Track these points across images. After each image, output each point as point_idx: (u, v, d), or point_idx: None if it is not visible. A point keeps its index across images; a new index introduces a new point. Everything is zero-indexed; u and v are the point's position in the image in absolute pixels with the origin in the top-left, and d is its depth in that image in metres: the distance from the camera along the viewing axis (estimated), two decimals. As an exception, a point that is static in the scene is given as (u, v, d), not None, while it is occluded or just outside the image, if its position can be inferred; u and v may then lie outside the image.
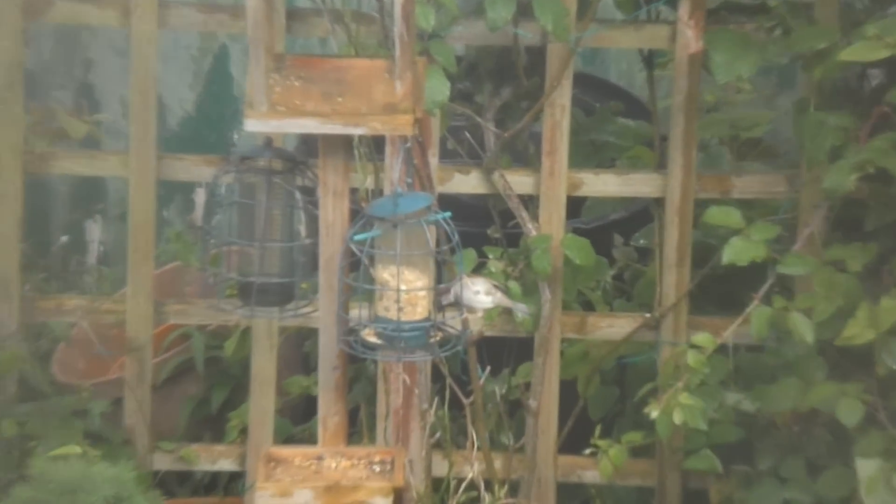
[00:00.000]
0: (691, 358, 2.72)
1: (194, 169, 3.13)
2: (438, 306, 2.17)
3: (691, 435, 2.91)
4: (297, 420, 3.39)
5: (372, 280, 2.11)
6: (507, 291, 2.89)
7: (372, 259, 2.09)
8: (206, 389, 3.41)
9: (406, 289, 2.07)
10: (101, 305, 3.17)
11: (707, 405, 2.73)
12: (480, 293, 2.75)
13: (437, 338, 2.14)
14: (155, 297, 3.15)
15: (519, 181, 3.07)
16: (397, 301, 2.08)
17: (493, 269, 3.03)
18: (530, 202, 3.09)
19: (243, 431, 3.22)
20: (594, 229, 3.37)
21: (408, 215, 2.06)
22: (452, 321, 2.18)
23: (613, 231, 3.50)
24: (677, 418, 2.65)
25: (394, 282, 2.09)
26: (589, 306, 3.28)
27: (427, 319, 2.13)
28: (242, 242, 2.25)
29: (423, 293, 2.11)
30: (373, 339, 2.11)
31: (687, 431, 2.86)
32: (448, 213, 2.09)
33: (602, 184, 3.09)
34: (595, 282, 3.30)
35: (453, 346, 2.16)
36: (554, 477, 3.13)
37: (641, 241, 3.38)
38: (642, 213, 3.31)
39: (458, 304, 2.49)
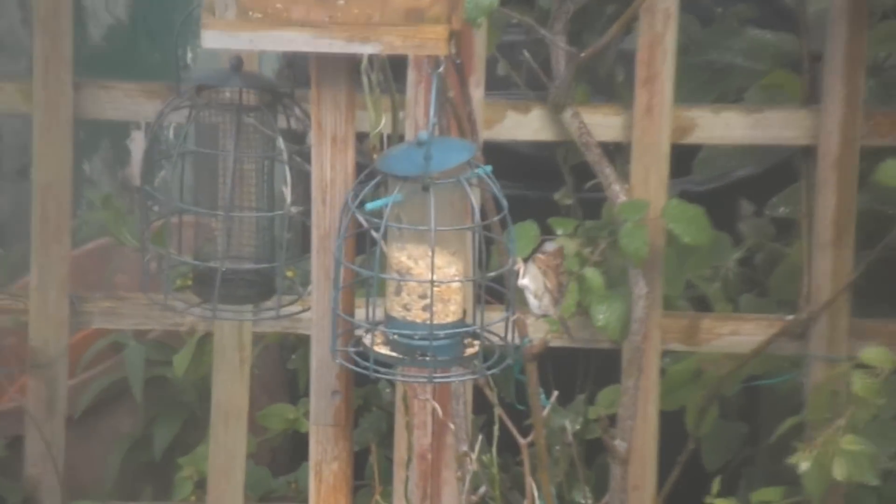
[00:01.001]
0: (857, 381, 2.73)
1: (129, 102, 3.15)
2: (480, 301, 2.17)
3: (856, 493, 2.92)
4: (280, 468, 3.42)
5: (385, 266, 2.11)
6: (559, 297, 2.89)
7: (385, 236, 2.10)
8: (147, 424, 3.44)
9: (437, 279, 2.08)
10: (-7, 302, 3.20)
11: (880, 450, 2.73)
12: (527, 288, 2.74)
13: (475, 349, 2.14)
14: (71, 290, 3.17)
15: (601, 122, 3.07)
16: (427, 296, 2.07)
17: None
18: (618, 153, 3.09)
19: (200, 485, 3.24)
20: (711, 192, 3.39)
21: (442, 173, 2.05)
22: (497, 325, 2.18)
23: (740, 195, 3.51)
24: (839, 472, 2.65)
25: (417, 268, 2.08)
26: (703, 304, 3.29)
27: (463, 322, 2.13)
28: (200, 211, 2.25)
29: (457, 285, 2.11)
30: (384, 351, 2.12)
31: (849, 488, 2.87)
32: (489, 168, 2.08)
33: (724, 126, 3.10)
34: (712, 269, 3.31)
35: (501, 361, 2.16)
36: (652, 552, 3.16)
37: (781, 210, 3.37)
38: (782, 169, 3.32)
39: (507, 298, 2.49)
